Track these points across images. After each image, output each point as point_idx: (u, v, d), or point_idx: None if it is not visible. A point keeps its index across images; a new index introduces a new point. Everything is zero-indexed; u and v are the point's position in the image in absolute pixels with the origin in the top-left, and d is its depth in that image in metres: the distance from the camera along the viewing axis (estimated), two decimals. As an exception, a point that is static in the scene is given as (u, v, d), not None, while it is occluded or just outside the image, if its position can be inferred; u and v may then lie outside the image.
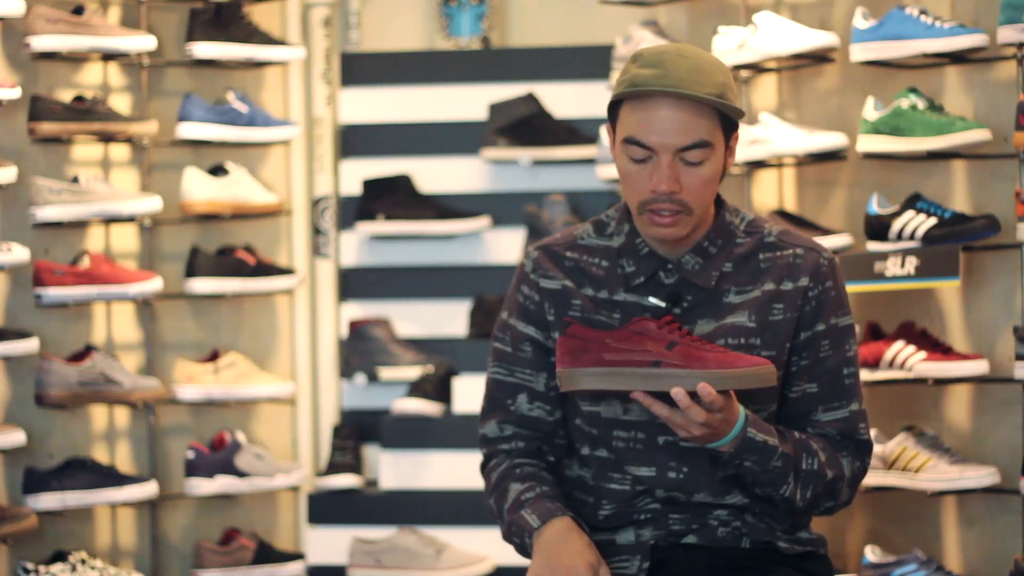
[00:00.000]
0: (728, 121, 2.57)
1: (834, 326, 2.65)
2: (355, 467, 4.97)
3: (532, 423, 2.69)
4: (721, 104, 2.52)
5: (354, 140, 5.22)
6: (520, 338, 2.67)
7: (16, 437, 4.27)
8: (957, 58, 4.01)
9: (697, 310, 2.62)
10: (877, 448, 4.00)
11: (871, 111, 4.06)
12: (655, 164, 2.54)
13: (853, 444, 2.68)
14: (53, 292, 4.40)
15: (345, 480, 4.92)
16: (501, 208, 5.10)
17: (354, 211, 5.11)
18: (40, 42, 4.40)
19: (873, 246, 4.04)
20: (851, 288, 3.94)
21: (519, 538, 2.62)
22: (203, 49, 4.67)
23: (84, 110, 4.47)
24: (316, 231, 5.15)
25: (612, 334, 2.47)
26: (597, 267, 2.66)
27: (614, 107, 2.59)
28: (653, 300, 2.62)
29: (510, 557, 4.75)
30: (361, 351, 5.05)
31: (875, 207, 4.05)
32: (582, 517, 2.69)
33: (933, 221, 3.95)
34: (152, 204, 4.57)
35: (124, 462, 4.68)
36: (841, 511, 4.17)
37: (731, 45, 4.29)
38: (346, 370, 5.09)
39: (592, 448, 2.66)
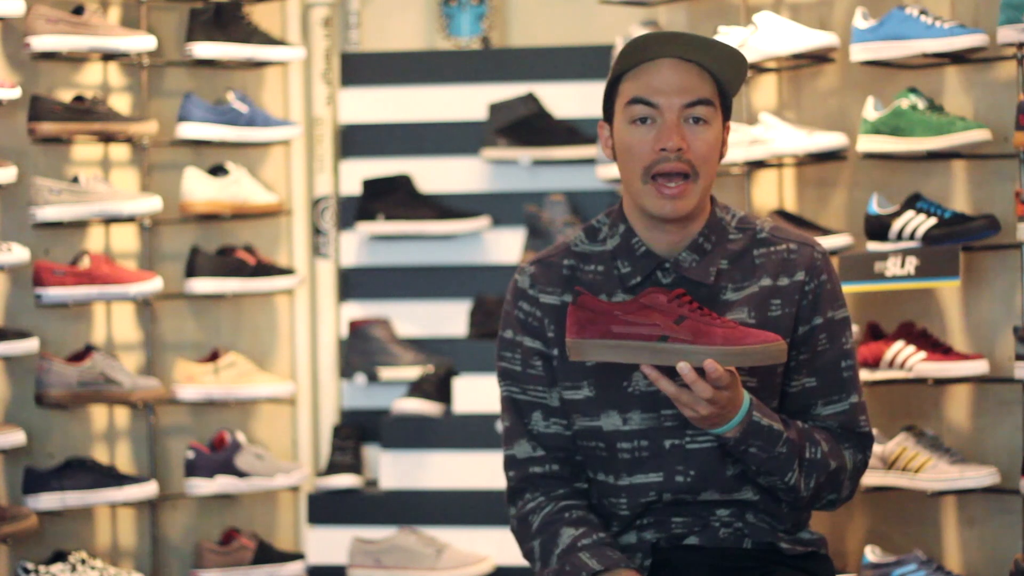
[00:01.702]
0: (725, 104, 2.60)
1: (831, 319, 2.66)
2: (355, 467, 4.97)
3: (551, 440, 2.66)
4: (721, 46, 2.55)
5: (354, 140, 5.22)
6: (529, 353, 2.66)
7: (16, 437, 4.27)
8: (957, 58, 4.01)
9: (696, 308, 2.62)
10: (877, 448, 4.00)
11: (871, 111, 4.06)
12: (661, 124, 2.56)
13: (854, 436, 2.68)
14: (53, 292, 4.40)
15: (345, 480, 4.92)
16: (501, 208, 5.10)
17: (354, 211, 5.11)
18: (40, 42, 4.40)
19: (873, 246, 4.04)
20: (851, 288, 3.95)
21: None
22: (203, 49, 4.67)
23: (84, 110, 4.47)
24: (316, 231, 5.16)
25: (621, 306, 2.46)
26: (593, 273, 2.66)
27: (611, 92, 2.61)
28: None
29: (510, 557, 4.77)
30: (361, 351, 5.05)
31: (875, 207, 4.05)
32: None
33: (933, 221, 3.95)
34: (152, 204, 4.57)
35: (124, 462, 4.68)
36: (841, 510, 4.20)
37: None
38: (346, 370, 5.09)
39: (594, 470, 2.66)
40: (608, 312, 2.47)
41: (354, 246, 5.18)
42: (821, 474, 2.61)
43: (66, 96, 4.53)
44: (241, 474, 4.66)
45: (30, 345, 4.31)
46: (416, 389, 4.92)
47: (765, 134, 4.27)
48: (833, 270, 2.69)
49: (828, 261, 2.68)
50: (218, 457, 4.64)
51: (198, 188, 4.69)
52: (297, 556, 4.76)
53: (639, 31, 4.64)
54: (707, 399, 2.45)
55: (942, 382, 3.96)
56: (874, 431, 4.00)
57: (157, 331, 4.76)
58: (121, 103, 4.69)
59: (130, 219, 4.58)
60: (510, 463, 2.68)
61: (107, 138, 4.59)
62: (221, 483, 4.63)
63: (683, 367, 2.43)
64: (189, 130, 4.66)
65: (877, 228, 4.03)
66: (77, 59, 4.59)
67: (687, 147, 2.55)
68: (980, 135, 3.90)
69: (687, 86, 2.55)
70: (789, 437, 2.56)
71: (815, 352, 2.65)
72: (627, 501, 2.63)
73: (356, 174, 5.16)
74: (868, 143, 4.06)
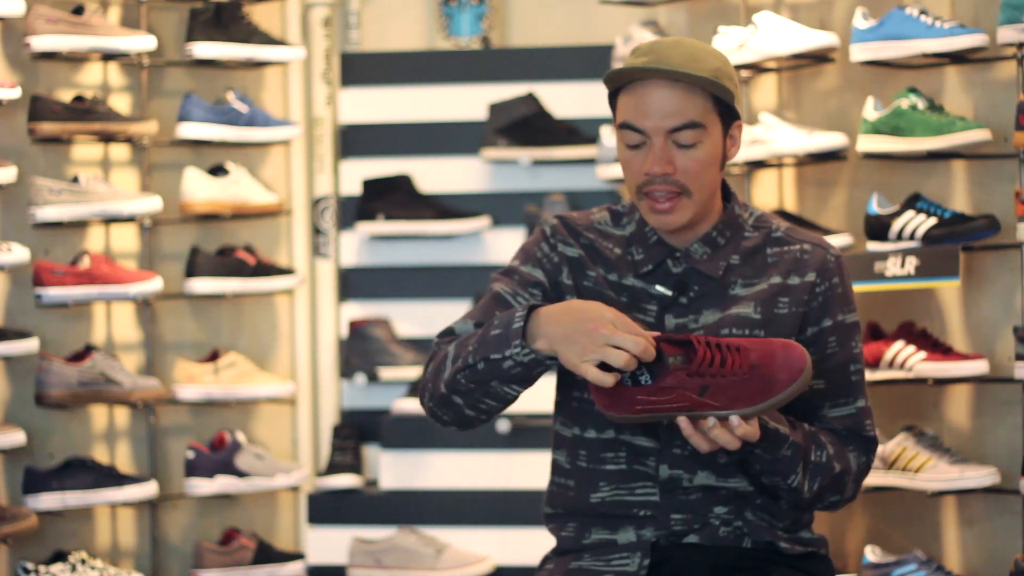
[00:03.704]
0: (726, 108, 2.59)
1: (841, 323, 2.66)
2: (355, 467, 4.97)
3: None
4: (710, 83, 2.54)
5: (354, 140, 5.22)
6: (531, 281, 2.68)
7: (16, 437, 4.27)
8: (957, 58, 4.01)
9: (703, 300, 2.63)
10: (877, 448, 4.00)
11: (871, 111, 4.06)
12: (649, 148, 2.57)
13: (860, 440, 2.69)
14: (53, 292, 4.40)
15: (345, 480, 4.92)
16: (501, 208, 5.10)
17: (354, 211, 5.11)
18: (40, 42, 4.40)
19: (873, 246, 4.04)
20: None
21: (496, 344, 2.51)
22: (203, 49, 4.67)
23: (84, 110, 4.47)
24: (316, 231, 5.16)
25: (641, 389, 2.44)
26: (610, 252, 2.68)
27: (613, 101, 2.62)
28: (660, 288, 2.63)
29: (510, 557, 4.78)
30: (361, 351, 5.05)
31: (875, 207, 4.05)
32: (568, 503, 2.69)
33: (933, 221, 3.95)
34: (152, 204, 4.58)
35: (124, 462, 4.68)
36: (841, 511, 4.19)
37: (731, 45, 4.29)
38: (346, 370, 5.09)
39: (592, 428, 2.66)
40: (631, 396, 2.45)
41: (354, 246, 5.18)
42: (825, 477, 2.61)
43: (66, 96, 4.53)
44: (241, 474, 4.66)
45: (30, 345, 4.31)
46: (416, 389, 4.91)
47: (765, 134, 4.27)
48: (846, 274, 2.69)
49: (841, 264, 2.68)
50: (218, 457, 4.64)
51: (198, 188, 4.69)
52: (297, 556, 4.76)
53: (639, 31, 4.64)
54: (734, 448, 2.46)
55: (942, 382, 3.96)
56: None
57: (157, 331, 4.76)
58: (121, 103, 4.69)
59: (130, 219, 4.58)
60: (445, 332, 2.67)
61: (107, 138, 4.59)
62: (221, 483, 4.63)
63: (710, 422, 2.44)
64: (189, 130, 4.66)
65: (877, 228, 4.03)
66: (77, 59, 4.59)
67: (674, 170, 2.57)
68: (980, 135, 3.90)
69: (673, 110, 2.55)
70: (795, 441, 2.56)
71: (824, 355, 2.65)
72: (626, 454, 2.63)
73: (356, 174, 5.16)
74: (868, 143, 4.06)
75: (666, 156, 2.56)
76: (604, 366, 2.43)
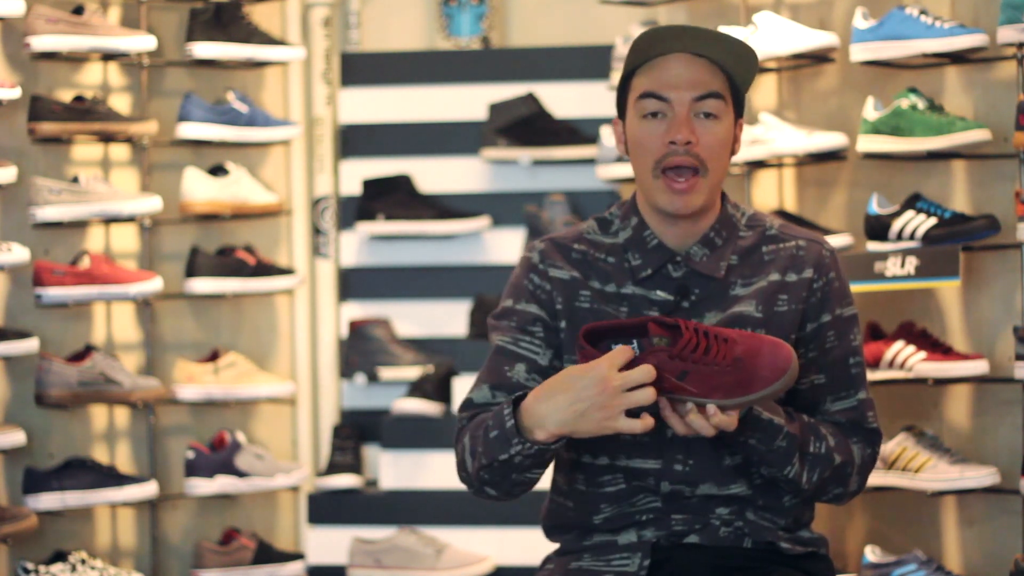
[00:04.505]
0: (737, 100, 2.62)
1: (839, 316, 2.67)
2: (355, 467, 4.97)
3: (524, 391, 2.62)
4: (742, 48, 2.57)
5: (354, 140, 5.22)
6: (529, 319, 2.66)
7: (16, 437, 4.27)
8: (957, 58, 4.01)
9: (705, 303, 2.63)
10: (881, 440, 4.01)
11: (871, 111, 4.06)
12: (671, 118, 2.58)
13: (863, 432, 2.69)
14: (53, 292, 4.40)
15: (345, 480, 4.92)
16: (501, 208, 5.10)
17: (354, 211, 5.12)
18: (40, 42, 4.40)
19: (873, 246, 4.04)
20: (851, 288, 3.95)
21: (499, 445, 2.49)
22: (203, 49, 4.67)
23: (84, 110, 4.47)
24: (316, 231, 5.16)
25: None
26: (604, 262, 2.67)
27: (623, 87, 2.63)
28: (661, 294, 2.63)
29: (510, 557, 4.77)
30: (361, 351, 5.05)
31: (875, 207, 4.05)
32: (568, 521, 2.69)
33: (933, 221, 3.95)
34: (152, 204, 4.58)
35: (124, 462, 4.68)
36: (841, 510, 4.19)
37: (731, 45, 4.29)
38: (346, 370, 5.09)
39: (587, 454, 2.65)
40: None
41: (354, 246, 5.18)
42: (825, 469, 2.61)
43: (66, 96, 4.53)
44: (241, 474, 4.66)
45: (30, 345, 4.31)
46: (416, 389, 4.92)
47: (765, 134, 4.27)
48: (841, 267, 2.70)
49: (836, 258, 2.70)
50: (218, 457, 4.64)
51: (198, 188, 4.69)
52: (297, 556, 4.76)
53: (639, 31, 4.64)
54: (710, 436, 2.46)
55: (942, 382, 3.96)
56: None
57: (157, 331, 4.76)
58: (121, 103, 4.69)
59: (130, 219, 4.58)
60: (465, 405, 2.66)
61: (107, 138, 4.59)
62: (221, 483, 4.63)
63: (688, 406, 2.44)
64: (189, 130, 4.66)
65: (877, 228, 4.03)
66: (77, 59, 4.59)
67: (696, 141, 2.57)
68: (980, 135, 3.90)
69: (697, 80, 2.58)
70: (789, 432, 2.56)
71: (824, 349, 2.66)
72: (624, 476, 2.63)
73: (356, 174, 5.16)
74: (868, 143, 4.06)
75: (689, 126, 2.57)
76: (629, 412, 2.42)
